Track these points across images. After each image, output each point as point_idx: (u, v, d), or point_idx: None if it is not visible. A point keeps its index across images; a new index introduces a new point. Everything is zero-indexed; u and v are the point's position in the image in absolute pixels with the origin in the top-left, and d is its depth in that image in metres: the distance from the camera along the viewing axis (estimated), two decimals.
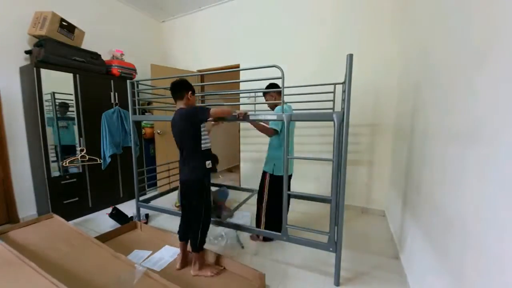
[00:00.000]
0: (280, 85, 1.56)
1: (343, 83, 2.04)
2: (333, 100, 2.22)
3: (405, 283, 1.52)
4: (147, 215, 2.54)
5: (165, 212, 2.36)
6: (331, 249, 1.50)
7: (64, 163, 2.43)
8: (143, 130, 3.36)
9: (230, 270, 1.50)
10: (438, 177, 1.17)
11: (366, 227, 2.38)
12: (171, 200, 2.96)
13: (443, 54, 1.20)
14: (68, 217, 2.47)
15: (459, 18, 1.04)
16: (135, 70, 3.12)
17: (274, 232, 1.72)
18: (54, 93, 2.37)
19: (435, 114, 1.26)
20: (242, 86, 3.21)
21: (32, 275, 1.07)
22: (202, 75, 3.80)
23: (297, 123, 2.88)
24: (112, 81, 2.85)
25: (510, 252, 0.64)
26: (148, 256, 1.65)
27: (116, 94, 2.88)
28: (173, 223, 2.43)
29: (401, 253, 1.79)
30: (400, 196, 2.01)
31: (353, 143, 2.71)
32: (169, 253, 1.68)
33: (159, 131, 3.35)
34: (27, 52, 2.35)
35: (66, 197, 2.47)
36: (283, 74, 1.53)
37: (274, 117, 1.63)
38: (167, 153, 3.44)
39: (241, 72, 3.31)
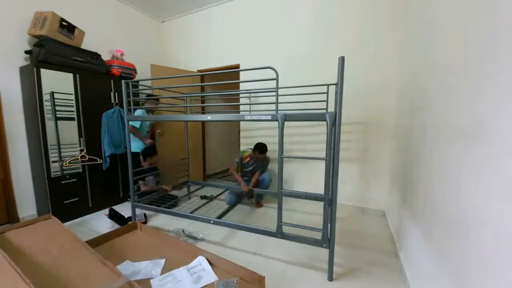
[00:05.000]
0: (274, 86, 1.61)
1: (336, 84, 2.07)
2: (327, 101, 2.24)
3: (405, 280, 1.53)
4: (145, 215, 2.53)
5: (161, 212, 2.36)
6: (324, 245, 1.54)
7: (64, 163, 2.44)
8: None
9: (228, 271, 1.49)
10: (436, 177, 1.17)
11: (365, 226, 2.38)
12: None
13: (444, 53, 1.20)
14: (68, 217, 2.48)
15: (460, 15, 1.04)
16: (135, 70, 3.13)
17: (268, 229, 1.73)
18: (53, 92, 2.36)
19: (434, 113, 1.26)
20: (242, 86, 3.21)
21: (16, 280, 1.08)
22: (202, 75, 3.81)
23: (294, 123, 2.92)
24: (112, 81, 2.85)
25: (508, 250, 0.63)
26: (127, 264, 1.56)
27: (116, 94, 2.88)
28: (174, 222, 2.43)
29: (400, 251, 1.79)
30: (399, 195, 2.01)
31: (353, 141, 2.71)
32: (151, 268, 1.52)
33: (159, 131, 3.35)
34: (27, 52, 2.35)
35: (66, 197, 2.47)
36: (277, 76, 1.57)
37: (269, 117, 1.65)
38: (168, 153, 3.44)
39: (241, 72, 3.31)
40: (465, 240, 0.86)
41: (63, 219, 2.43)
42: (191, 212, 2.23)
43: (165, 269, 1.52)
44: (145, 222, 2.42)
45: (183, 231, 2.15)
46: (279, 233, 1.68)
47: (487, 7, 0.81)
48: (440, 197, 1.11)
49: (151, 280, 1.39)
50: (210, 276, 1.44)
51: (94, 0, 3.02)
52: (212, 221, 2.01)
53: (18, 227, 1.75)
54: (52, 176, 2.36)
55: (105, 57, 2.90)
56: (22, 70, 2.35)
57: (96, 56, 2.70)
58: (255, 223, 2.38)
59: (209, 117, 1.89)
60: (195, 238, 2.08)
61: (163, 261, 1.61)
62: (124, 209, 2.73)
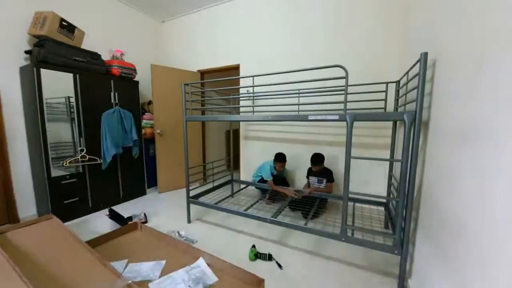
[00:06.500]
0: (342, 85, 1.56)
1: (397, 82, 2.07)
2: (385, 100, 2.16)
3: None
4: (145, 215, 2.53)
5: (217, 209, 2.34)
6: (396, 252, 1.46)
7: (64, 163, 2.44)
8: (143, 130, 3.36)
9: (227, 273, 1.49)
10: (437, 176, 1.17)
11: None
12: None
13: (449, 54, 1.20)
14: (68, 217, 2.49)
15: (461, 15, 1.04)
16: (135, 70, 3.12)
17: (332, 232, 1.69)
18: (69, 97, 2.47)
19: (438, 112, 1.26)
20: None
21: (15, 280, 1.08)
22: (202, 75, 3.80)
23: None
24: (112, 81, 2.85)
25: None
26: (126, 265, 1.56)
27: (116, 94, 2.88)
28: (174, 223, 2.44)
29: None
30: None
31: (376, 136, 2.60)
32: (151, 269, 1.52)
33: (159, 131, 3.35)
34: (27, 52, 2.35)
35: (66, 197, 2.47)
36: (346, 74, 1.51)
37: (337, 117, 1.56)
38: (168, 153, 3.44)
39: (241, 72, 3.30)
40: (463, 240, 0.86)
41: (63, 219, 2.42)
42: (245, 210, 2.23)
43: (165, 270, 1.52)
44: (145, 222, 2.42)
45: (178, 233, 2.14)
46: (343, 236, 1.62)
47: (488, 9, 0.81)
48: (439, 197, 1.11)
49: (149, 284, 1.39)
50: (210, 277, 1.44)
51: (94, 0, 3.02)
52: (269, 220, 1.97)
53: (19, 227, 1.75)
54: (52, 176, 2.36)
55: (105, 57, 2.89)
56: (22, 70, 2.35)
57: (96, 56, 2.70)
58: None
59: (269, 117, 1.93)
60: (192, 241, 2.05)
61: (163, 262, 1.61)
62: (124, 209, 2.74)
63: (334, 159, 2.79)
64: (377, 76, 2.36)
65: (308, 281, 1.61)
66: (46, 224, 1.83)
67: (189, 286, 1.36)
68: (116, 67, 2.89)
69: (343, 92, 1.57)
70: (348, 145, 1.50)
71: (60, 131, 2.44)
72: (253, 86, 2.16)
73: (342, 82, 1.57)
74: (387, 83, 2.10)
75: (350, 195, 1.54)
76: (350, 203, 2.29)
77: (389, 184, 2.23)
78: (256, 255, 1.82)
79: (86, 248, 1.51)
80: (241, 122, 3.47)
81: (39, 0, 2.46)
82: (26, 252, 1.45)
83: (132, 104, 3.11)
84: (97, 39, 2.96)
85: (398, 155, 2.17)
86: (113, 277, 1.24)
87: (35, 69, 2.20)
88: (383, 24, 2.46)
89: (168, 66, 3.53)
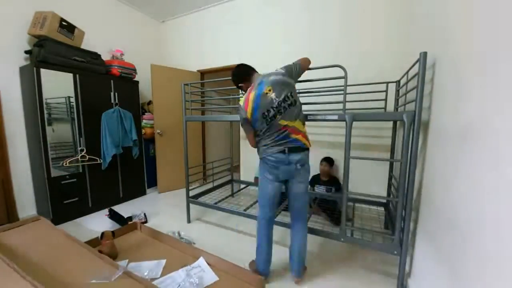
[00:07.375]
0: (342, 85, 1.55)
1: (397, 81, 2.06)
2: (385, 100, 2.16)
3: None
4: (145, 215, 2.54)
5: (217, 209, 2.30)
6: (395, 252, 1.46)
7: (64, 163, 2.44)
8: (143, 130, 3.36)
9: (227, 272, 1.50)
10: (437, 176, 1.17)
11: None
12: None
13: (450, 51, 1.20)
14: (68, 217, 2.49)
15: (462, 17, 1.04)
16: (135, 70, 3.12)
17: (331, 232, 1.69)
18: (69, 97, 2.47)
19: (438, 112, 1.26)
20: None
21: (13, 277, 1.08)
22: (202, 75, 3.80)
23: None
24: (112, 81, 2.85)
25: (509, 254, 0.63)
26: (127, 265, 1.57)
27: (116, 94, 2.88)
28: (174, 223, 2.44)
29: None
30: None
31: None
32: (151, 268, 1.54)
33: (159, 131, 3.35)
34: (27, 52, 2.35)
35: (66, 197, 2.47)
36: (345, 74, 1.52)
37: (336, 117, 1.56)
38: (168, 153, 3.44)
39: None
40: (462, 241, 0.86)
41: (63, 219, 2.45)
42: (245, 210, 2.16)
43: (165, 270, 1.53)
44: (145, 222, 2.42)
45: (178, 233, 2.14)
46: (342, 237, 1.61)
47: (488, 9, 0.82)
48: (439, 198, 1.11)
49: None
50: (211, 277, 1.45)
51: (94, 0, 3.02)
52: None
53: (7, 229, 1.77)
54: (52, 176, 2.36)
55: (105, 57, 2.89)
56: (22, 70, 2.35)
57: (96, 56, 2.70)
58: None
59: None
60: (191, 242, 2.05)
61: (164, 261, 1.61)
62: (124, 209, 2.74)
63: (334, 160, 2.79)
64: (378, 76, 2.36)
65: (308, 281, 1.61)
66: (34, 225, 1.84)
67: (190, 285, 1.36)
68: (116, 67, 2.89)
69: (342, 92, 1.58)
70: (348, 145, 1.51)
71: (60, 131, 2.44)
72: None
73: (341, 82, 1.58)
74: (387, 83, 2.10)
75: (349, 196, 1.54)
76: (350, 203, 2.31)
77: (389, 185, 2.23)
78: None
79: (80, 244, 1.52)
80: None
81: (39, 0, 2.46)
82: (16, 252, 1.45)
83: (132, 104, 3.11)
84: (97, 39, 2.96)
85: (399, 155, 2.17)
86: (110, 267, 1.25)
87: (35, 69, 2.19)
88: (383, 23, 2.46)
89: (168, 66, 3.53)
